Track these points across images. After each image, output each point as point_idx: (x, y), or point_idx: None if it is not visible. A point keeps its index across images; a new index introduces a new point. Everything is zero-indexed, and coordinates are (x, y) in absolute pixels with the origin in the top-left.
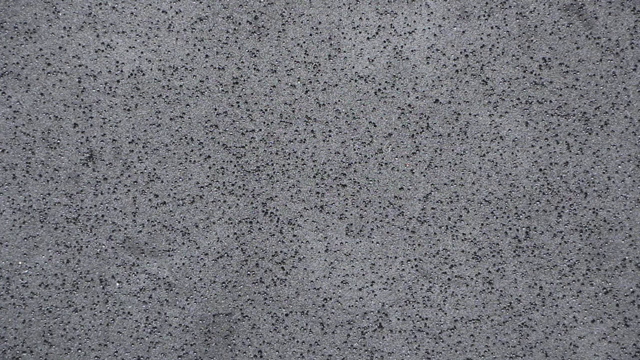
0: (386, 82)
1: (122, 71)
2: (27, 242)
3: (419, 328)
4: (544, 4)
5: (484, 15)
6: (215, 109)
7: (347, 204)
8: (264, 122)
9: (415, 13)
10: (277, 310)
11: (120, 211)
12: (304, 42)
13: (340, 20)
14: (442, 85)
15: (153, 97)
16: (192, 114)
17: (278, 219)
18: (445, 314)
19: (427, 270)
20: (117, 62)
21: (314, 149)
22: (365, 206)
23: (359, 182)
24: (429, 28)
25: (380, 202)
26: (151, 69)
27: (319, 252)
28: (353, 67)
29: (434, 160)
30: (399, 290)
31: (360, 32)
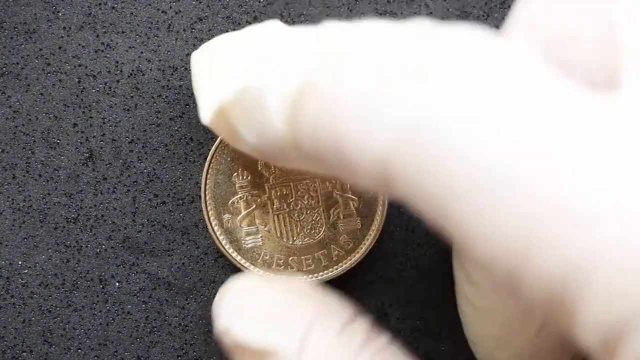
0: None
1: (121, 71)
2: (26, 242)
3: (418, 328)
4: None
5: (484, 15)
6: None
7: None
8: None
9: (415, 13)
10: None
11: (120, 211)
12: None
13: (340, 20)
14: None
15: (153, 97)
16: (192, 114)
17: None
18: (445, 314)
19: (426, 270)
20: (117, 62)
21: None
22: None
23: None
24: None
25: None
26: (151, 69)
27: None
28: None
29: None
30: (398, 290)
31: None
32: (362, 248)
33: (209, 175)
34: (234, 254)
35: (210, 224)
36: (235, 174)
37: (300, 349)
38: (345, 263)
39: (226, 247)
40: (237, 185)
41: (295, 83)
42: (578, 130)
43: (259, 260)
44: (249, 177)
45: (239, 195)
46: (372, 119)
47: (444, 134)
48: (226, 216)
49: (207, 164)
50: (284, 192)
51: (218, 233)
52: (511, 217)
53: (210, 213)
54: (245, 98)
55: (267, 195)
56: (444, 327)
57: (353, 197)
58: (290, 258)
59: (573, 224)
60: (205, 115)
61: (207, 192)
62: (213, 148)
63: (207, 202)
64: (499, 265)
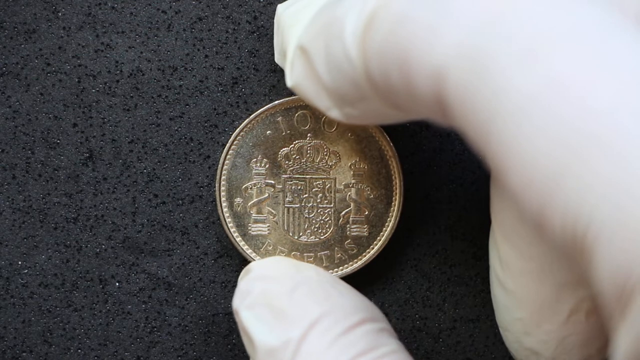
0: None
1: (121, 71)
2: (26, 242)
3: (418, 328)
4: None
5: None
6: (215, 109)
7: None
8: None
9: None
10: None
11: (120, 211)
12: None
13: None
14: None
15: (153, 97)
16: (191, 114)
17: None
18: (445, 313)
19: (426, 270)
20: (117, 62)
21: None
22: None
23: None
24: None
25: None
26: (151, 69)
27: None
28: None
29: (434, 160)
30: (398, 290)
31: None
32: (365, 256)
33: (228, 156)
34: (238, 239)
35: (220, 205)
36: (255, 159)
37: (293, 354)
38: (347, 268)
39: (232, 230)
40: (254, 171)
41: (371, 5)
42: (625, 65)
43: (261, 250)
44: (267, 166)
45: (254, 182)
46: (435, 34)
47: (498, 56)
48: (237, 200)
49: (227, 145)
50: (299, 187)
51: (226, 215)
52: (547, 142)
53: (222, 194)
54: (324, 24)
55: (281, 186)
56: (444, 327)
57: (367, 203)
58: (293, 253)
59: (606, 158)
60: (290, 54)
61: (222, 173)
62: (237, 130)
63: (221, 183)
64: (530, 195)
